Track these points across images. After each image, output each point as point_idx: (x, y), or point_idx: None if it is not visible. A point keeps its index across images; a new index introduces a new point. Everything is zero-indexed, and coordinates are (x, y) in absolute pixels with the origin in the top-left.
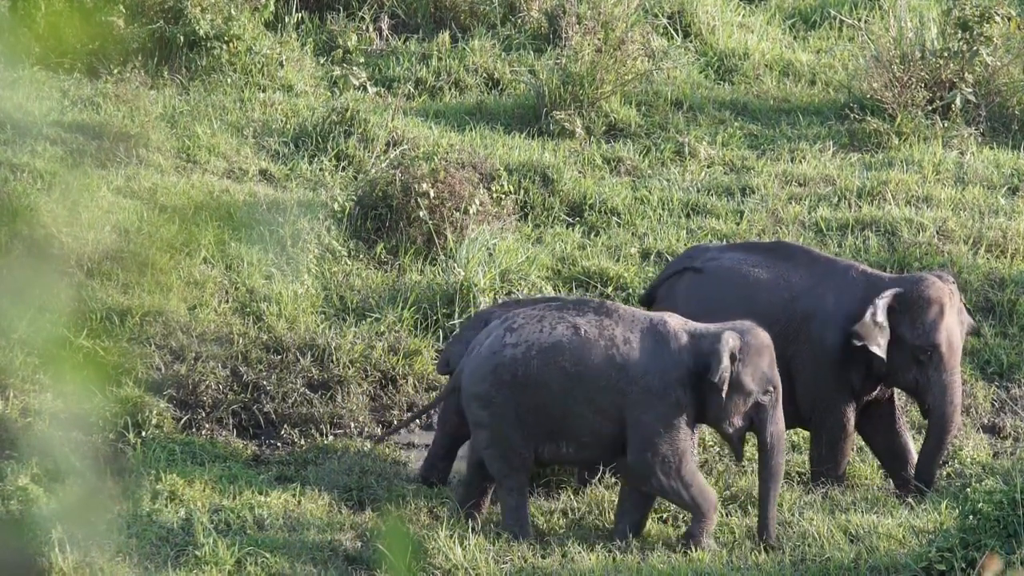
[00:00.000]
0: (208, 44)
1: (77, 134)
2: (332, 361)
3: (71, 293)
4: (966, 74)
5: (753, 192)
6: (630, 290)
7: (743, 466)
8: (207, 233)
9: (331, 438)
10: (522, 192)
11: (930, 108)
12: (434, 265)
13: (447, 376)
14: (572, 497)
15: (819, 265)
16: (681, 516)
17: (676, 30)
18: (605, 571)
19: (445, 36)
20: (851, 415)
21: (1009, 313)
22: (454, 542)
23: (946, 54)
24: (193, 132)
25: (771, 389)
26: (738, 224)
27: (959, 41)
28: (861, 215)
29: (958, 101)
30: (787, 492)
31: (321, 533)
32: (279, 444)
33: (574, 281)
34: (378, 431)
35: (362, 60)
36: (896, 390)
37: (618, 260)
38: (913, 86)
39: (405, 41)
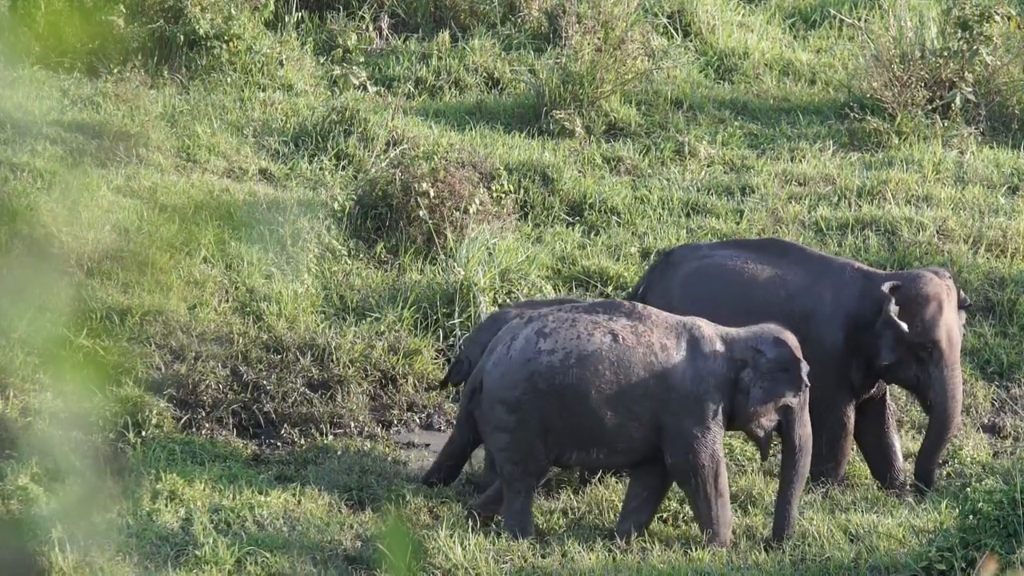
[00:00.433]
0: (208, 43)
1: (77, 133)
2: (332, 361)
3: (71, 292)
4: (966, 73)
5: (753, 191)
6: (630, 290)
7: (742, 465)
8: (207, 232)
9: (331, 438)
10: (522, 192)
11: (930, 107)
12: (434, 264)
13: (462, 383)
14: (572, 497)
15: (814, 263)
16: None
17: (676, 29)
18: (605, 571)
19: (445, 35)
20: (851, 414)
21: (1009, 313)
22: (454, 542)
23: (946, 53)
24: (193, 131)
25: (800, 391)
26: (738, 223)
27: (959, 40)
28: (861, 214)
29: (958, 100)
30: None
31: (321, 533)
32: (279, 444)
33: (574, 280)
34: (378, 431)
35: (362, 59)
36: (889, 390)
37: (618, 259)
38: (913, 85)
39: (405, 40)
